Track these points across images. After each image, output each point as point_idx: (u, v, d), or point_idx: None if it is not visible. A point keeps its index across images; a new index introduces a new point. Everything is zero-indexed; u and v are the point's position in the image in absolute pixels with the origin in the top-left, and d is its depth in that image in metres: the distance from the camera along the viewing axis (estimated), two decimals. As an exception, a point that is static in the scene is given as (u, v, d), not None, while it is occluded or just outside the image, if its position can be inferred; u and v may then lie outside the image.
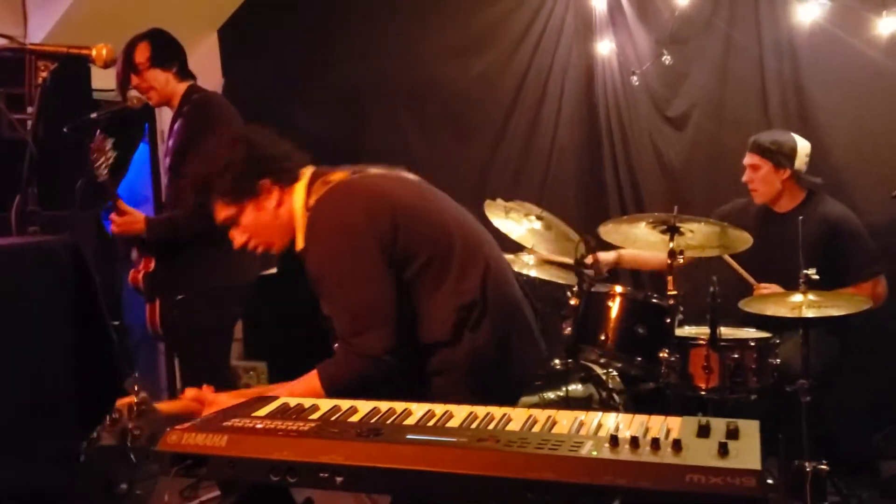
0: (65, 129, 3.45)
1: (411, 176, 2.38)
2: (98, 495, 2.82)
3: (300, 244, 2.23)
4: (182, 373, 3.91)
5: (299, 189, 2.24)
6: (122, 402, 1.96)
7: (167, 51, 3.62)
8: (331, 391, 2.02)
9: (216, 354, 3.66)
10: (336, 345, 2.15)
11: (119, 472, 3.85)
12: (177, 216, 3.52)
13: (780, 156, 3.75)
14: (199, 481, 4.03)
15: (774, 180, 3.78)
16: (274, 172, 2.22)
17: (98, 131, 3.37)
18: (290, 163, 2.26)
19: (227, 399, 2.09)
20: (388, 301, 2.07)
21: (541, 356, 2.45)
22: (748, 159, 3.83)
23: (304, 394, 2.01)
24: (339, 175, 2.25)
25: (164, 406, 2.09)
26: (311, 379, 2.07)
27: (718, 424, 1.53)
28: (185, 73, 3.67)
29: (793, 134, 3.85)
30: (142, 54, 3.57)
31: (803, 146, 3.80)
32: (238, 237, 2.31)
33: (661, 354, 3.23)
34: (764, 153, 3.78)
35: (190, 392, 2.16)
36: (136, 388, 1.97)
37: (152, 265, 3.56)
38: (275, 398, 1.83)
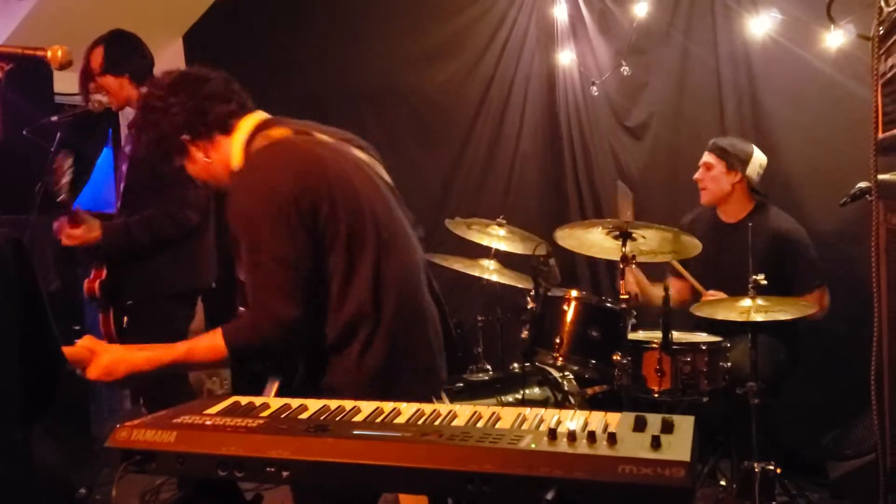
0: (25, 132, 3.45)
1: (356, 151, 2.29)
2: (57, 500, 2.83)
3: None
4: (143, 382, 3.90)
5: (237, 139, 2.21)
6: None
7: (120, 57, 3.59)
8: (232, 350, 2.01)
9: None
10: (242, 308, 2.15)
11: (78, 476, 3.86)
12: (132, 223, 3.52)
13: (735, 158, 3.85)
14: (161, 485, 4.06)
15: (724, 181, 3.88)
16: (188, 130, 2.20)
17: (59, 151, 3.36)
18: (212, 115, 2.20)
19: (119, 351, 2.11)
20: (301, 271, 2.02)
21: (437, 372, 2.27)
22: (704, 158, 3.94)
23: (205, 351, 2.04)
24: (281, 131, 2.20)
25: None
26: (215, 336, 2.04)
27: (654, 420, 1.58)
28: (140, 77, 3.64)
29: (754, 146, 3.94)
30: (95, 59, 3.57)
31: (759, 156, 3.89)
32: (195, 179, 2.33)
33: (614, 357, 3.30)
34: (719, 153, 3.88)
35: (85, 340, 2.13)
36: None
37: (104, 273, 3.56)
38: (225, 397, 1.86)
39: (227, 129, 2.23)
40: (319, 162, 2.13)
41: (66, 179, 3.32)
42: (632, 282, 3.83)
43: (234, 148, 2.21)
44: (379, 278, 2.11)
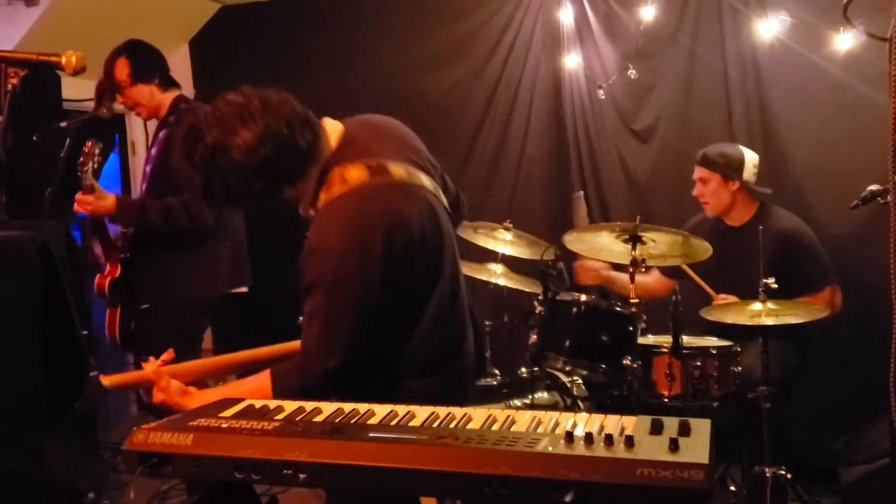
0: (34, 138, 3.46)
1: (421, 176, 2.23)
2: (64, 504, 2.83)
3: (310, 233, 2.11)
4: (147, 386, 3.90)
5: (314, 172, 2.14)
6: None
7: (146, 64, 3.60)
8: (279, 397, 2.01)
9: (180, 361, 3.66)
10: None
11: (85, 481, 3.86)
12: (148, 203, 3.51)
13: (728, 168, 3.82)
14: (169, 490, 4.06)
15: (724, 192, 3.85)
16: (286, 183, 2.12)
17: (88, 138, 3.38)
18: (304, 157, 2.10)
19: (177, 388, 2.10)
20: (364, 339, 2.06)
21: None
22: (697, 173, 3.90)
23: (251, 394, 2.02)
24: (357, 173, 2.12)
25: (110, 379, 2.10)
26: (264, 381, 2.06)
27: (671, 423, 1.57)
28: (167, 82, 3.66)
29: (739, 146, 3.93)
30: (122, 71, 3.56)
31: (751, 157, 3.87)
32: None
33: (624, 362, 3.29)
34: (711, 166, 3.85)
35: (150, 365, 2.13)
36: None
37: (118, 272, 3.55)
38: (240, 400, 1.85)
39: (317, 160, 2.14)
40: (403, 219, 2.09)
41: (91, 166, 3.34)
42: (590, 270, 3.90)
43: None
44: (440, 319, 2.17)
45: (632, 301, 3.33)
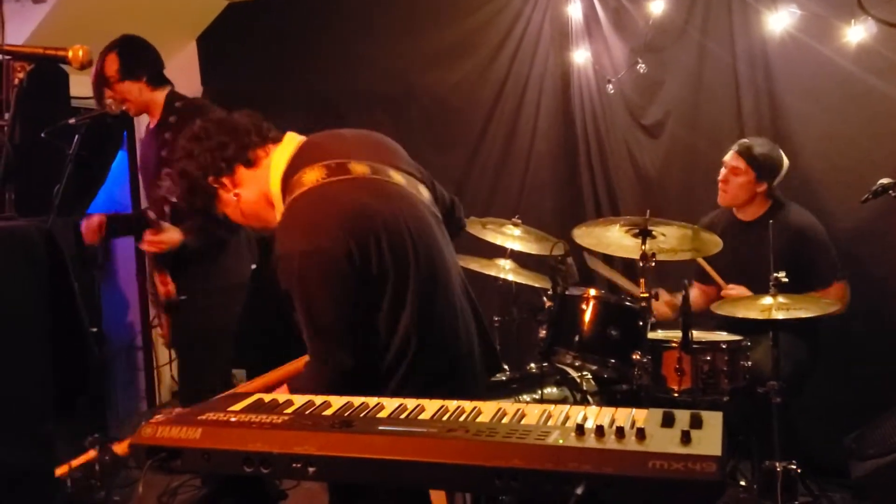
0: (42, 135, 3.45)
1: (392, 174, 2.24)
2: (74, 501, 2.83)
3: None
4: (183, 375, 3.93)
5: (272, 172, 2.21)
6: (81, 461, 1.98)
7: (135, 61, 3.59)
8: None
9: (221, 355, 3.67)
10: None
11: (96, 477, 3.86)
12: (203, 222, 3.51)
13: (767, 170, 3.78)
14: (179, 486, 4.06)
15: (749, 189, 3.82)
16: (210, 170, 2.22)
17: (77, 153, 3.36)
18: (229, 151, 2.22)
19: None
20: (357, 322, 2.07)
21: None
22: (733, 161, 3.82)
23: None
24: (315, 174, 2.16)
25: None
26: (283, 391, 2.09)
27: (682, 415, 1.56)
28: (157, 80, 3.65)
29: (781, 151, 3.88)
30: (111, 67, 3.56)
31: (785, 163, 3.85)
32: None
33: (634, 356, 3.28)
34: (752, 162, 3.78)
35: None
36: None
37: (169, 280, 3.56)
38: (249, 394, 1.85)
39: (251, 162, 2.23)
40: (364, 213, 2.10)
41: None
42: (663, 308, 3.83)
43: (270, 182, 2.21)
44: (421, 319, 2.13)
45: (642, 296, 3.32)
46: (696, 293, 4.04)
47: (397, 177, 2.25)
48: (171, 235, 3.45)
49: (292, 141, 2.29)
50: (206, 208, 2.28)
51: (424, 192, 2.33)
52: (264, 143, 2.26)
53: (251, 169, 2.23)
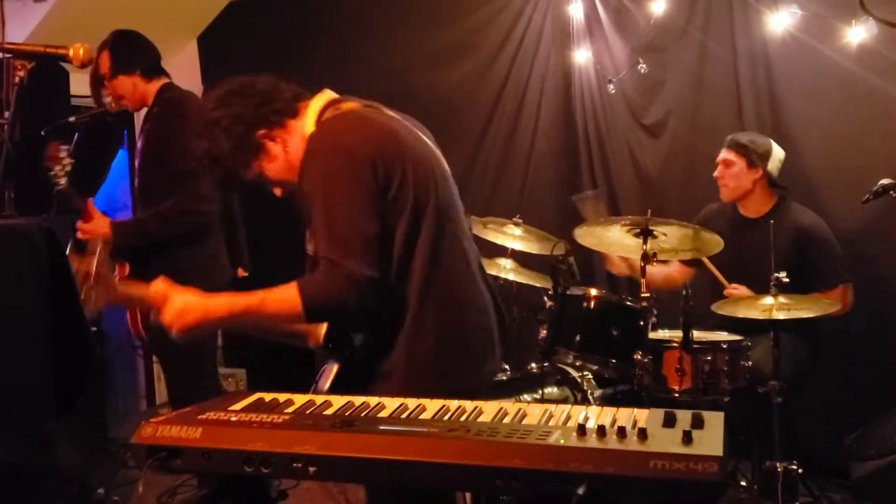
0: (42, 133, 3.45)
1: (421, 135, 2.29)
2: (74, 500, 2.82)
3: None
4: (167, 381, 3.89)
5: (308, 117, 2.21)
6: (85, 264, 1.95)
7: (126, 55, 3.56)
8: (306, 303, 1.98)
9: (199, 360, 3.64)
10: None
11: (96, 476, 3.87)
12: (145, 219, 3.50)
13: (755, 154, 3.81)
14: (178, 486, 4.06)
15: (746, 178, 3.83)
16: (262, 122, 2.19)
17: (77, 152, 3.34)
18: (279, 102, 2.21)
19: (193, 296, 2.07)
20: (374, 234, 2.02)
21: (485, 362, 2.23)
22: (723, 154, 3.88)
23: (279, 302, 2.00)
24: (351, 105, 2.22)
25: (123, 288, 2.06)
26: (290, 290, 2.01)
27: (684, 415, 1.56)
28: (151, 72, 3.61)
29: (771, 139, 3.91)
30: (104, 64, 3.54)
31: (778, 151, 3.86)
32: (276, 190, 2.29)
33: (634, 356, 3.27)
34: (739, 149, 3.83)
35: (159, 282, 2.11)
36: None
37: (127, 271, 3.54)
38: (250, 393, 1.85)
39: (296, 112, 2.22)
40: (393, 132, 2.15)
41: (63, 167, 3.27)
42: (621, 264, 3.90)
43: (307, 130, 2.20)
44: (435, 256, 2.11)
45: (643, 295, 3.31)
46: (675, 268, 4.06)
47: (426, 139, 2.30)
48: (96, 228, 3.42)
49: (330, 93, 2.31)
50: (246, 170, 2.22)
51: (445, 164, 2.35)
52: (306, 97, 2.27)
53: (296, 120, 2.23)
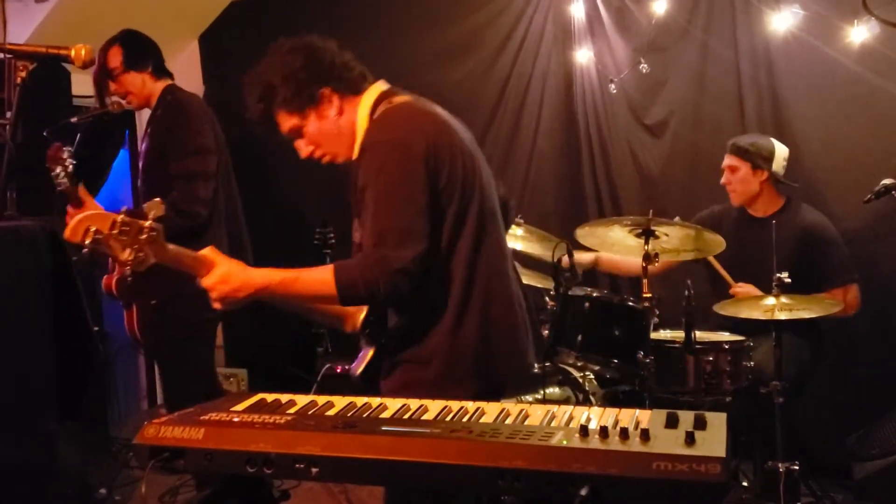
0: (45, 133, 3.45)
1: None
2: (75, 500, 2.83)
3: (356, 154, 2.25)
4: (164, 381, 3.88)
5: (364, 102, 2.27)
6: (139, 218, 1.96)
7: (139, 52, 3.58)
8: (340, 285, 2.03)
9: (196, 360, 3.64)
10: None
11: (97, 476, 3.86)
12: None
13: (759, 157, 3.81)
14: (179, 486, 4.05)
15: (752, 181, 3.83)
16: (333, 80, 2.25)
17: (77, 152, 3.32)
18: (351, 73, 2.29)
19: (236, 265, 2.10)
20: (418, 225, 2.08)
21: (526, 356, 2.32)
22: (727, 161, 3.89)
23: (313, 281, 2.07)
24: (405, 98, 2.27)
25: (174, 248, 2.06)
26: (326, 271, 2.07)
27: (686, 416, 1.57)
28: (160, 71, 3.64)
29: (771, 138, 3.91)
30: (115, 59, 3.55)
31: (781, 150, 3.86)
32: (303, 148, 2.32)
33: (637, 357, 3.27)
34: (742, 154, 3.83)
35: (208, 250, 2.14)
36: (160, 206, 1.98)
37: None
38: (252, 394, 1.85)
39: (360, 90, 2.30)
40: (445, 123, 2.22)
41: (65, 168, 3.27)
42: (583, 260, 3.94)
43: (360, 113, 2.27)
44: (477, 252, 2.17)
45: (645, 296, 3.31)
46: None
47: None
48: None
49: (384, 83, 2.37)
50: (286, 108, 2.26)
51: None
52: (368, 80, 2.34)
53: (357, 97, 2.29)
